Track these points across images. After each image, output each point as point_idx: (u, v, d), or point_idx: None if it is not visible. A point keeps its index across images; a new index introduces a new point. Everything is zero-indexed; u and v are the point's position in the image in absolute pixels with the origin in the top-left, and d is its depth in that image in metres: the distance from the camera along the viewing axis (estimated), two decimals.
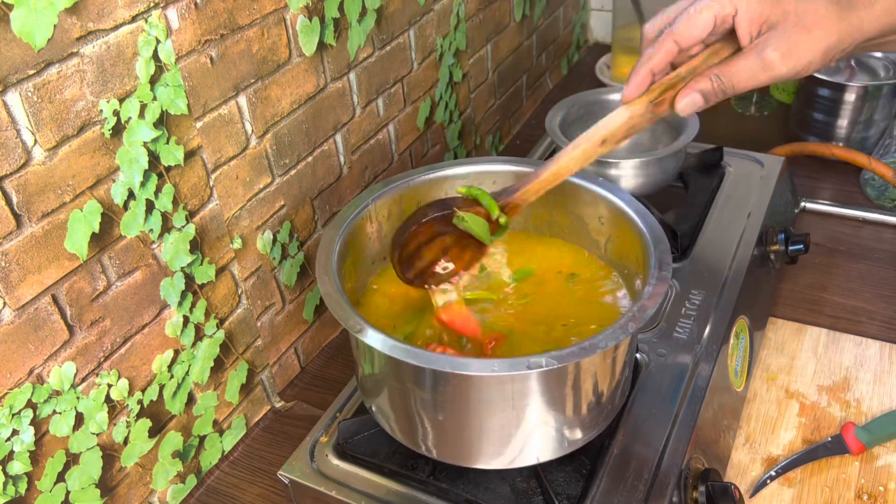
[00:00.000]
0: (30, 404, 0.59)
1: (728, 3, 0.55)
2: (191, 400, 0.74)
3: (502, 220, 0.62)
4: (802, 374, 0.83)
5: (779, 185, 0.96)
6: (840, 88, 1.10)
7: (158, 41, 0.61)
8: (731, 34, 0.57)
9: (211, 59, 0.67)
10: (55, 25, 0.53)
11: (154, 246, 0.66)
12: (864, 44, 0.58)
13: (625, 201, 0.68)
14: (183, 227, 0.68)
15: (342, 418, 0.72)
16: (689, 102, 0.57)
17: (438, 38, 1.01)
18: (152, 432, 0.71)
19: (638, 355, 0.73)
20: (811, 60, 0.55)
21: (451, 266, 0.63)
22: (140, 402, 0.68)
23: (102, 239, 0.61)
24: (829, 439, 0.75)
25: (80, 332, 0.61)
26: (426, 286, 0.64)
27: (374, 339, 0.56)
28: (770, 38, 0.55)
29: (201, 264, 0.71)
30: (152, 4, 0.60)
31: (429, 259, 0.63)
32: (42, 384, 0.59)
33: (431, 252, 0.63)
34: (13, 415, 0.57)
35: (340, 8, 0.81)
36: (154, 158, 0.64)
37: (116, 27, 0.58)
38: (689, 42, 0.57)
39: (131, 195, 0.63)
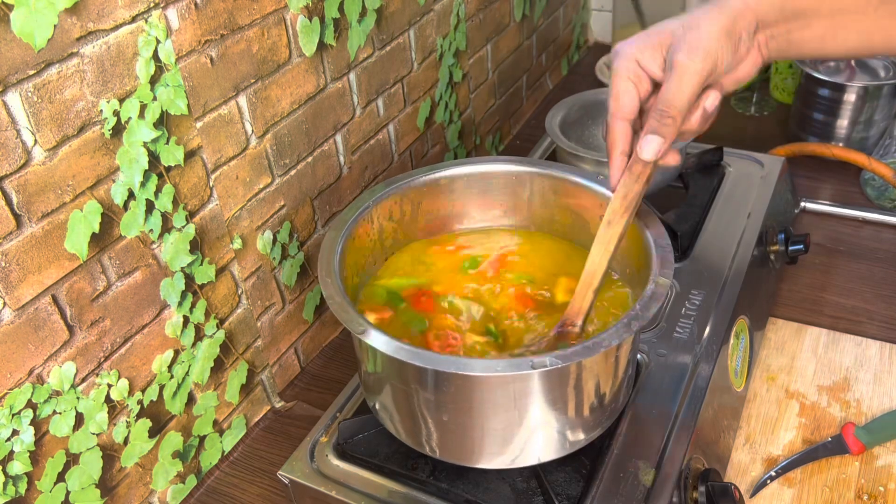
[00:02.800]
0: (30, 404, 0.59)
1: (629, 58, 0.60)
2: (191, 400, 0.74)
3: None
4: (802, 374, 0.83)
5: (779, 185, 0.96)
6: (840, 88, 1.10)
7: (158, 41, 0.61)
8: None
9: (211, 59, 0.67)
10: (55, 25, 0.53)
11: (154, 246, 0.66)
12: (775, 28, 0.61)
13: None
14: (183, 227, 0.68)
15: (342, 418, 0.72)
16: (651, 148, 0.60)
17: (438, 38, 1.01)
18: (152, 432, 0.70)
19: (638, 355, 0.73)
20: (716, 44, 0.58)
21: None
22: (140, 402, 0.68)
23: (102, 239, 0.61)
24: (829, 439, 0.75)
25: (80, 332, 0.61)
26: None
27: (377, 340, 0.56)
28: (671, 53, 0.59)
29: (201, 264, 0.71)
30: (152, 4, 0.60)
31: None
32: (42, 384, 0.59)
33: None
34: (13, 415, 0.57)
35: (340, 8, 0.80)
36: (154, 158, 0.64)
37: (116, 27, 0.58)
38: (634, 112, 0.61)
39: (131, 195, 0.63)
